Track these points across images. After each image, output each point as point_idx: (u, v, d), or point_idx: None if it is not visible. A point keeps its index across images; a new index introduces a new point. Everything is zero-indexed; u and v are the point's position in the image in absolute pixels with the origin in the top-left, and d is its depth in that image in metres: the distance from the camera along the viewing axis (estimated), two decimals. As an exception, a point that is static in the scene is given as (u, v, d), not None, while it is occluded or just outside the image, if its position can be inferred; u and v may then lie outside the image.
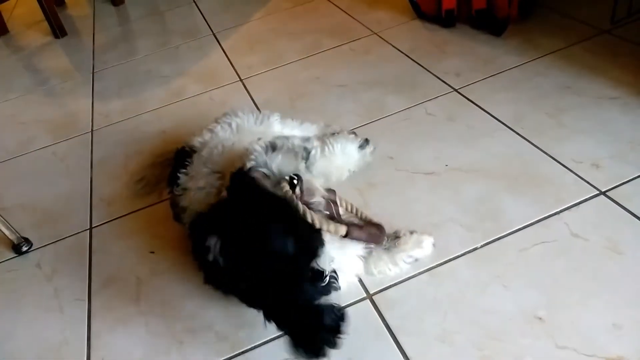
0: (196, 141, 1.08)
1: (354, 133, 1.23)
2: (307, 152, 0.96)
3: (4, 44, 2.35)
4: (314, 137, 1.07)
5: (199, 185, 0.96)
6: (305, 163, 0.94)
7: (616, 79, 1.27)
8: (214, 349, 0.87)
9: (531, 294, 0.85)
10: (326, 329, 0.74)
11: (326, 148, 1.04)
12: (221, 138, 1.06)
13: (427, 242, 0.95)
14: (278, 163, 0.89)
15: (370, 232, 0.85)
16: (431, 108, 1.33)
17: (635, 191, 0.99)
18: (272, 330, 0.87)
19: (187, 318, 0.94)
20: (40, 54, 2.19)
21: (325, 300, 0.79)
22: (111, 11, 2.46)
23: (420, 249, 0.94)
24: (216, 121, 1.13)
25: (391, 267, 0.93)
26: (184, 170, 1.02)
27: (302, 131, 1.17)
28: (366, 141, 1.15)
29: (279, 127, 1.13)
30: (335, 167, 1.07)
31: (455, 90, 1.37)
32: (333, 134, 1.19)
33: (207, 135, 1.08)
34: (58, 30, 2.24)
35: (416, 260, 0.94)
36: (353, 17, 1.88)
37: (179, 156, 1.09)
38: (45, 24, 2.26)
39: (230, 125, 1.10)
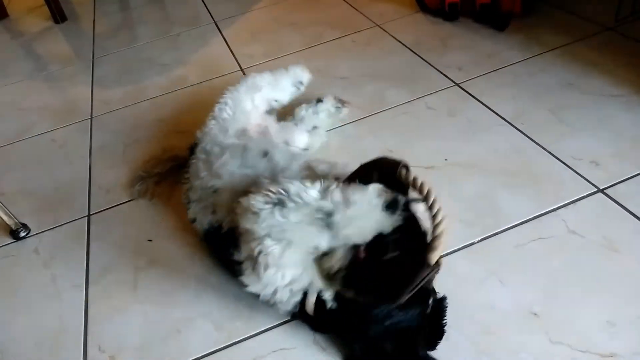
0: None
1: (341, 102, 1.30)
2: (329, 215, 0.73)
3: (3, 28, 2.33)
4: (329, 181, 0.78)
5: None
6: (330, 231, 0.73)
7: (619, 77, 1.27)
8: (211, 338, 0.88)
9: (527, 290, 0.85)
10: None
11: (350, 212, 0.73)
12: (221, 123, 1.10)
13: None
14: (293, 235, 0.73)
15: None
16: (432, 102, 1.32)
17: (633, 190, 0.99)
18: (268, 320, 0.88)
19: (184, 307, 0.94)
20: (40, 39, 2.17)
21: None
22: (112, -3, 2.44)
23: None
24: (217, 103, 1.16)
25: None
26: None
27: (277, 85, 1.20)
28: (394, 203, 0.74)
29: (267, 88, 1.17)
30: (359, 229, 0.75)
31: (457, 84, 1.37)
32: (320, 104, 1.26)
33: (211, 123, 1.12)
34: (58, 15, 2.23)
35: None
36: (356, 9, 1.87)
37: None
38: (46, 8, 2.24)
39: (226, 104, 1.12)
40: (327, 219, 0.73)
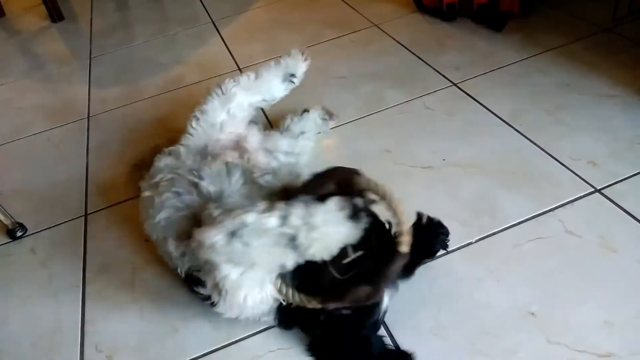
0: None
1: (327, 114, 1.27)
2: (292, 239, 0.71)
3: (0, 27, 2.33)
4: (287, 207, 0.73)
5: None
6: (295, 252, 0.72)
7: (616, 78, 1.27)
8: (208, 338, 0.88)
9: (525, 290, 0.86)
10: None
11: (314, 234, 0.71)
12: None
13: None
14: (257, 258, 0.73)
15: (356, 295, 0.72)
16: (430, 102, 1.33)
17: (630, 190, 0.99)
18: (265, 321, 0.88)
19: (181, 306, 0.94)
20: (37, 38, 2.16)
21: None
22: (109, -4, 2.44)
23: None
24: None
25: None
26: None
27: (260, 77, 1.09)
28: (356, 212, 0.73)
29: (243, 94, 1.06)
30: (325, 246, 0.73)
31: (455, 84, 1.37)
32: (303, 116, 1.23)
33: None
34: (55, 14, 2.22)
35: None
36: (354, 9, 1.87)
37: None
38: (43, 7, 2.23)
39: (197, 118, 1.03)
40: (290, 243, 0.72)
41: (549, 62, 1.39)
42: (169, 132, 1.39)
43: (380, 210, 0.76)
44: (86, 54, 1.93)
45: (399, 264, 0.72)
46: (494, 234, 0.96)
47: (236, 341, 0.87)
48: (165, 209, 0.88)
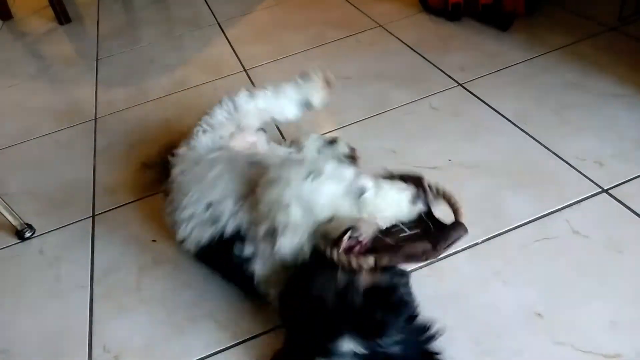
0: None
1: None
2: (361, 192, 0.78)
3: (8, 29, 2.35)
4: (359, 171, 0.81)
5: None
6: (358, 207, 0.78)
7: (622, 77, 1.27)
8: (215, 338, 0.88)
9: (531, 291, 0.85)
10: None
11: (381, 194, 0.79)
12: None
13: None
14: (324, 203, 0.76)
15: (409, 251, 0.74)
16: (435, 102, 1.32)
17: (637, 190, 0.99)
18: (271, 320, 0.88)
19: (188, 307, 0.94)
20: (44, 40, 2.18)
21: None
22: (116, -2, 2.45)
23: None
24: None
25: None
26: None
27: (276, 98, 1.06)
28: (418, 197, 0.82)
29: (253, 113, 1.05)
30: (381, 216, 0.80)
31: (460, 84, 1.37)
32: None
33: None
34: (62, 16, 2.24)
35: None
36: (359, 9, 1.87)
37: None
38: (50, 10, 2.25)
39: (203, 129, 1.04)
40: (358, 197, 0.77)
41: (554, 61, 1.38)
42: (175, 133, 1.40)
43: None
44: (93, 55, 1.95)
45: (458, 233, 0.76)
46: (500, 234, 0.96)
47: (242, 341, 0.87)
48: (225, 174, 0.90)
